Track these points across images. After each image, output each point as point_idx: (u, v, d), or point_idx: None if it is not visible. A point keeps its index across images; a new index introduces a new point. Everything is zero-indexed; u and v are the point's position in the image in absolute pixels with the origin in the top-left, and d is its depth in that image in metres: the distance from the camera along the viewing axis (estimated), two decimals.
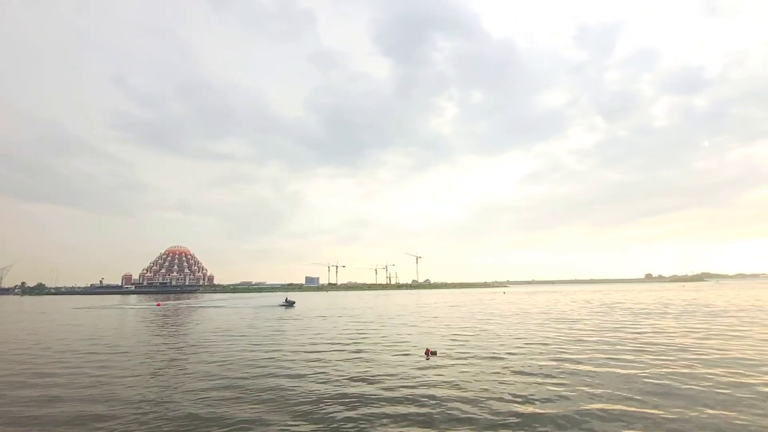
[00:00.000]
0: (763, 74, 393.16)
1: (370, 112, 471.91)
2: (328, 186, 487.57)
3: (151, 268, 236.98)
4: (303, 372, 13.93)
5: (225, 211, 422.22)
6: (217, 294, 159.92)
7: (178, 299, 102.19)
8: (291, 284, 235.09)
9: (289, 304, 58.04)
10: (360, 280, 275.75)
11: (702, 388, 10.79)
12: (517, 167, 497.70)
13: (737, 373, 12.48)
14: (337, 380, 12.76)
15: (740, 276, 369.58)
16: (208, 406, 10.22)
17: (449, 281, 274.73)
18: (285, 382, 12.47)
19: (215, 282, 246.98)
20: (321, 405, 10.17)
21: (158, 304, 67.18)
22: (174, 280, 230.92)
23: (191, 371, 14.37)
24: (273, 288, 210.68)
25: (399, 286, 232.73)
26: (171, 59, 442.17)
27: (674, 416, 8.70)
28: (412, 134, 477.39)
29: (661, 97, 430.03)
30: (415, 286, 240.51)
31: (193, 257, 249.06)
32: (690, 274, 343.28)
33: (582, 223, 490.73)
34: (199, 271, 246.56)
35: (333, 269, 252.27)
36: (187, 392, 11.51)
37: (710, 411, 8.99)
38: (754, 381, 11.46)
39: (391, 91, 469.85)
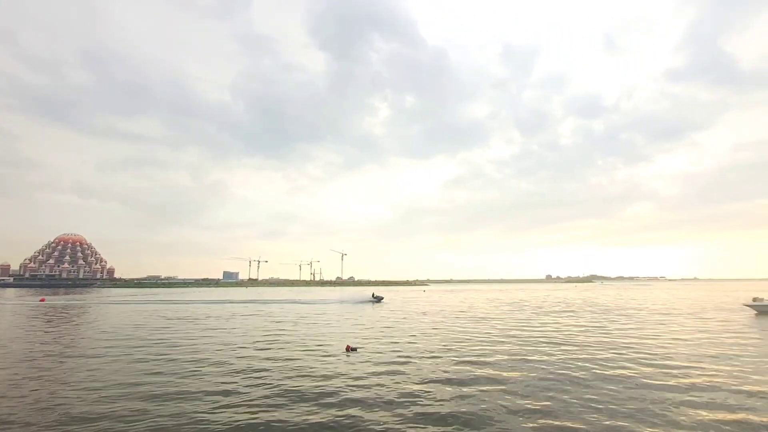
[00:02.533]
0: (646, 107, 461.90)
1: (302, 104, 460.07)
2: (254, 178, 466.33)
3: (35, 257, 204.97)
4: (213, 369, 13.62)
5: (132, 197, 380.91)
6: (118, 289, 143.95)
7: (68, 294, 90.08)
8: (207, 279, 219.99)
9: (377, 299, 55.59)
10: (283, 276, 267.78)
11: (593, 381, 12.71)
12: (442, 172, 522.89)
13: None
14: (255, 372, 12.89)
15: (620, 278, 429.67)
16: None
17: (373, 279, 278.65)
18: (188, 381, 12.20)
19: (116, 275, 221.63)
20: (229, 397, 10.26)
21: (42, 300, 59.02)
22: (65, 272, 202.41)
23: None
24: (186, 283, 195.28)
25: (323, 283, 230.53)
26: (75, 20, 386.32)
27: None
28: (344, 132, 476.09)
29: (568, 118, 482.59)
30: (339, 283, 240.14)
31: (89, 247, 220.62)
32: (581, 276, 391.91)
33: (496, 227, 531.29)
34: (96, 263, 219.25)
35: (254, 264, 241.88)
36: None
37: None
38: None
39: (325, 86, 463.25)
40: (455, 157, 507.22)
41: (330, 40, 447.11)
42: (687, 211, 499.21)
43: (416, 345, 18.95)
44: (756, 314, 33.28)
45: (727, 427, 8.03)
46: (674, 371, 13.00)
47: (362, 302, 54.86)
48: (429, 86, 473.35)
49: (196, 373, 13.20)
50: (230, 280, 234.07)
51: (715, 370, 12.97)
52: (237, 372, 13.33)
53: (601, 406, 9.48)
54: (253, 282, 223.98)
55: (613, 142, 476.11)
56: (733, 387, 10.94)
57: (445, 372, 13.18)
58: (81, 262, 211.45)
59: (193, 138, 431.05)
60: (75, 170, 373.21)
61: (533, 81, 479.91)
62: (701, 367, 13.51)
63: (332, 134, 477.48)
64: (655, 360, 14.85)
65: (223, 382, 12.04)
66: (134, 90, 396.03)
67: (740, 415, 8.66)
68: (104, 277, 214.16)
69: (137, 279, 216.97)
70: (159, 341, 19.98)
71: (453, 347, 18.12)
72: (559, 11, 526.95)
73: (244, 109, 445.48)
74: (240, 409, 9.60)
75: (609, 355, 15.83)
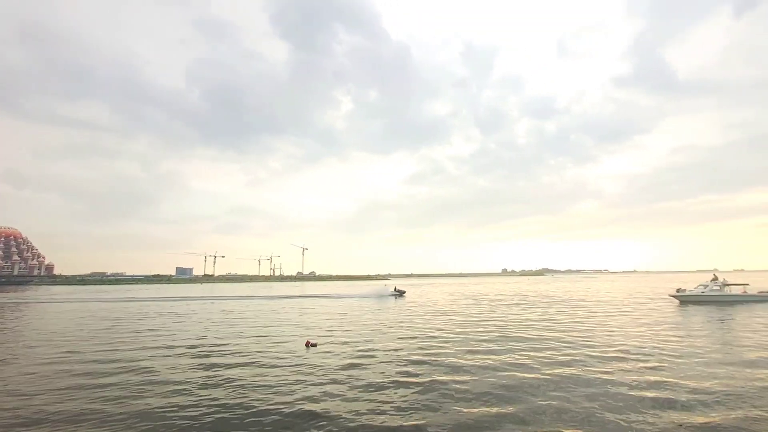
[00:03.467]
0: (594, 112, 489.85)
1: (261, 95, 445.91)
2: (211, 169, 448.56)
3: None
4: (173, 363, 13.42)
5: (74, 187, 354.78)
6: (58, 286, 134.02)
7: (1, 292, 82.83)
8: (158, 276, 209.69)
9: (399, 293, 56.10)
10: (241, 272, 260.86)
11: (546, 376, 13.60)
12: (403, 168, 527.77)
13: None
14: (203, 377, 12.78)
15: (569, 271, 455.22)
16: None
17: (334, 274, 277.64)
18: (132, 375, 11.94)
19: (56, 272, 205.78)
20: (180, 393, 10.29)
21: None
22: None
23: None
24: (135, 280, 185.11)
25: (283, 278, 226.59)
26: None
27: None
28: (305, 124, 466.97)
29: (523, 118, 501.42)
30: (299, 278, 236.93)
31: (25, 241, 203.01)
32: (534, 269, 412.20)
33: (455, 222, 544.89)
34: (33, 259, 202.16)
35: (210, 259, 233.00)
36: None
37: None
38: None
39: (286, 77, 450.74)
40: (416, 153, 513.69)
41: (292, 30, 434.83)
42: (628, 209, 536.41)
43: (375, 340, 19.17)
44: (679, 303, 36.86)
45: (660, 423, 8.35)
46: (612, 364, 13.70)
47: (384, 297, 54.96)
48: (392, 82, 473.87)
49: (134, 386, 11.61)
50: (184, 276, 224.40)
51: (651, 363, 13.71)
52: (179, 383, 12.01)
53: (555, 404, 9.54)
54: (208, 278, 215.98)
55: (564, 143, 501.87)
56: (670, 384, 11.28)
57: (402, 372, 12.93)
58: (16, 257, 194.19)
59: (144, 125, 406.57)
60: (9, 158, 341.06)
61: (492, 81, 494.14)
62: (639, 360, 14.26)
63: (293, 126, 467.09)
64: (599, 352, 15.58)
65: (167, 393, 10.97)
66: (78, 72, 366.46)
67: (676, 415, 8.84)
68: (42, 273, 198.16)
69: (80, 276, 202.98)
70: (96, 346, 18.53)
71: (411, 343, 18.31)
72: (518, 14, 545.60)
73: (200, 96, 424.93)
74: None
75: (556, 351, 16.20)
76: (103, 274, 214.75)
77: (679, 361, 14.09)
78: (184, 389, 11.18)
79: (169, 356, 15.78)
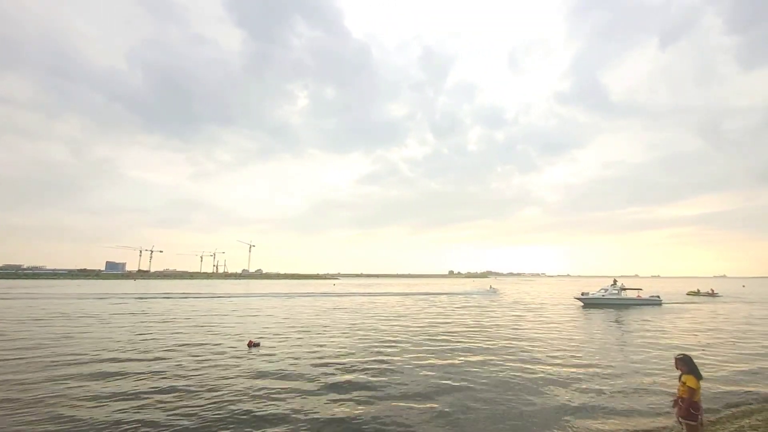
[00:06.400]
0: (539, 123, 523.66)
1: (212, 83, 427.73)
2: (151, 158, 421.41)
3: None
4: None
5: None
6: None
7: None
8: (84, 270, 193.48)
9: (494, 291, 67.47)
10: (181, 268, 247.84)
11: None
12: (358, 167, 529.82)
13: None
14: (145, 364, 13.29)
15: (511, 274, 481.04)
16: None
17: (282, 272, 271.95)
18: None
19: None
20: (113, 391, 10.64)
21: None
22: None
23: None
24: (56, 274, 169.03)
25: (227, 276, 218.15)
26: None
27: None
28: (259, 117, 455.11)
29: (475, 126, 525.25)
30: (245, 276, 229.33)
31: None
32: (479, 271, 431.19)
33: (406, 223, 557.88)
34: None
35: (146, 254, 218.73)
36: None
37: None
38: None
39: (240, 66, 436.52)
40: (372, 153, 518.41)
41: (248, 17, 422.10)
42: (565, 217, 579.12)
43: (317, 341, 18.95)
44: (582, 306, 41.40)
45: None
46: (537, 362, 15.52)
47: (481, 293, 64.11)
48: (351, 80, 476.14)
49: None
50: (115, 271, 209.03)
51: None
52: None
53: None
54: (143, 274, 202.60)
55: (511, 152, 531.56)
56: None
57: (345, 374, 12.74)
58: None
59: (76, 106, 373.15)
60: None
61: (448, 87, 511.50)
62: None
63: (245, 118, 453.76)
64: (521, 353, 16.72)
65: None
66: None
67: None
68: None
69: None
70: None
71: (359, 345, 18.04)
72: (473, 24, 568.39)
73: (143, 79, 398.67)
74: None
75: (486, 354, 16.61)
76: (18, 267, 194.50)
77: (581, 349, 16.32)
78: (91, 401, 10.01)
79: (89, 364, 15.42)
